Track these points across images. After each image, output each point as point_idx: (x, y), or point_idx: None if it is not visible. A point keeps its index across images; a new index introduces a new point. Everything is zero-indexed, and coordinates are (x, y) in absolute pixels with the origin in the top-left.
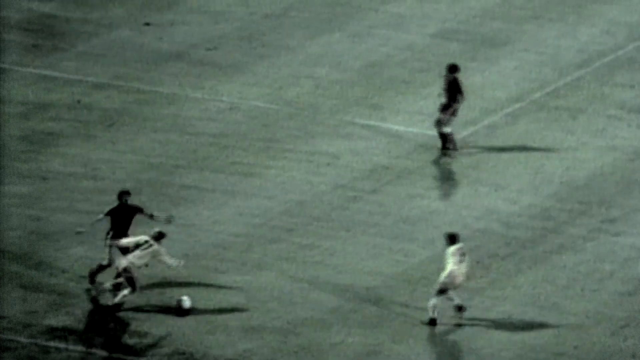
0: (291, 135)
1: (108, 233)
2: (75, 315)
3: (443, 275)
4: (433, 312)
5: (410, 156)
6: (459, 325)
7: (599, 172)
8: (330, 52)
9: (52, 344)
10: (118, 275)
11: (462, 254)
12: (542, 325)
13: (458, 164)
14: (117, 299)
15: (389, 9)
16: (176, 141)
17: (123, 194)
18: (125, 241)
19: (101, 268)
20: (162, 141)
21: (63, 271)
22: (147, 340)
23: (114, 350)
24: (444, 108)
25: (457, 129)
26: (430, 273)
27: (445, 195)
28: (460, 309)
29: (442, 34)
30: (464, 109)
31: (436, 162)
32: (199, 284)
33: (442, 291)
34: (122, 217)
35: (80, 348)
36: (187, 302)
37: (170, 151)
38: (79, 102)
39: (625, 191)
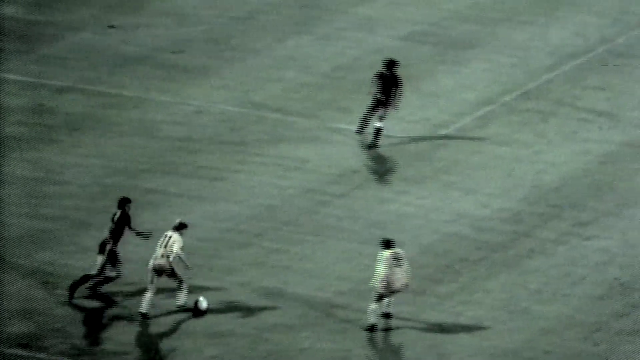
0: (259, 139)
1: (108, 242)
2: (38, 322)
3: (375, 281)
4: (373, 317)
5: (379, 160)
6: (388, 330)
7: (570, 176)
8: (298, 55)
9: (14, 351)
10: (99, 283)
11: (396, 259)
12: (513, 330)
13: (428, 167)
14: (181, 301)
15: (358, 12)
16: (142, 145)
17: (126, 201)
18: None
19: (87, 278)
20: (128, 145)
21: (26, 277)
22: (112, 347)
23: (78, 357)
24: (382, 104)
25: (427, 131)
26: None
27: (416, 199)
28: (387, 315)
29: (412, 37)
30: (435, 112)
31: (406, 166)
32: (165, 289)
33: (380, 297)
34: (122, 225)
35: (43, 356)
36: (203, 302)
37: (135, 155)
38: (41, 105)
39: (597, 194)
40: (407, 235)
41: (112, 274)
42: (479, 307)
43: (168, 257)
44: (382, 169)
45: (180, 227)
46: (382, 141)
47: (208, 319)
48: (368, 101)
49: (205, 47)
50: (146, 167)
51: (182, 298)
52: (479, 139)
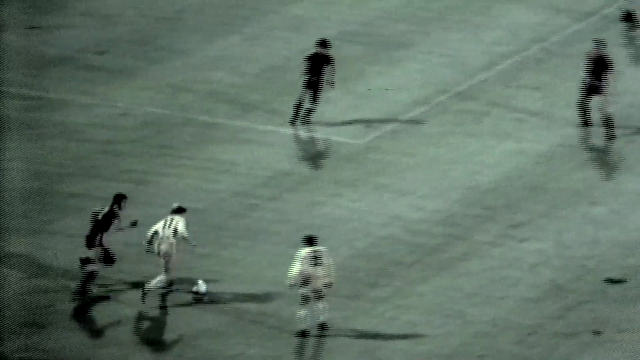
0: (187, 141)
1: (101, 236)
2: None
3: (288, 280)
4: (302, 323)
5: (311, 162)
6: (321, 336)
7: (504, 177)
8: (226, 55)
9: None
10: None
11: (315, 257)
12: (447, 334)
13: (361, 169)
14: (151, 284)
15: (288, 11)
16: (64, 148)
17: (121, 198)
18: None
19: (93, 275)
20: (51, 148)
21: None
22: (37, 355)
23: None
24: (313, 85)
25: (359, 133)
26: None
27: (349, 201)
28: (322, 326)
29: (344, 37)
30: (367, 113)
31: (338, 168)
32: (89, 296)
33: (305, 299)
34: (109, 220)
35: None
36: (202, 286)
37: (57, 159)
38: None
39: (532, 196)
40: (340, 239)
41: (93, 267)
42: (413, 311)
43: (173, 236)
44: (313, 172)
45: (179, 211)
46: (313, 144)
47: (135, 325)
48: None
49: (130, 48)
50: (69, 170)
51: (154, 282)
52: (412, 140)
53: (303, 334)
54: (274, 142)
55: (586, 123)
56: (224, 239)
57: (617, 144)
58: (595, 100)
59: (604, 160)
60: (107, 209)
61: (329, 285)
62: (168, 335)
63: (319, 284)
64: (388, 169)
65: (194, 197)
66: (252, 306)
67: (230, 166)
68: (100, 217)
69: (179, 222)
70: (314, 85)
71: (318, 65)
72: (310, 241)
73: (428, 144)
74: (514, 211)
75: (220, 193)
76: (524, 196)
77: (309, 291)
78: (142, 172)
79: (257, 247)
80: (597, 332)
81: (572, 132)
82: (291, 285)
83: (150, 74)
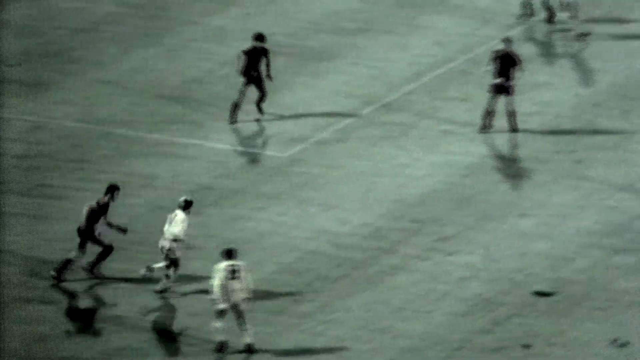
0: (104, 155)
1: (94, 229)
2: None
3: (214, 294)
4: (218, 334)
5: (234, 176)
6: (249, 352)
7: (432, 189)
8: (146, 67)
9: None
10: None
11: (233, 271)
12: (375, 350)
13: (286, 183)
14: (161, 285)
15: (209, 22)
16: None
17: (114, 189)
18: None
19: (69, 262)
20: None
21: None
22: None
23: None
24: (254, 80)
25: (284, 146)
26: (257, 297)
27: (273, 215)
28: (250, 348)
29: (268, 48)
30: (292, 125)
31: (262, 182)
32: (3, 315)
33: (221, 312)
34: (101, 212)
35: None
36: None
37: None
38: None
39: (459, 208)
40: (265, 254)
41: (72, 254)
42: (340, 326)
43: (172, 234)
44: (237, 185)
45: (186, 206)
46: (236, 157)
47: (51, 342)
48: (223, 112)
49: (44, 61)
50: None
51: (162, 284)
52: (338, 153)
53: (221, 346)
54: (195, 155)
55: (485, 126)
56: (144, 254)
57: (545, 155)
58: (502, 100)
59: (532, 172)
60: (105, 199)
61: (246, 299)
62: (86, 353)
63: (236, 297)
64: (313, 182)
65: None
66: (173, 322)
67: (150, 180)
68: (96, 206)
69: (178, 222)
70: (255, 79)
71: (256, 59)
72: (229, 254)
73: (354, 157)
74: (442, 224)
75: (140, 208)
76: (451, 209)
77: (225, 304)
78: (57, 187)
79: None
80: (526, 346)
81: (500, 144)
82: (214, 300)
83: (66, 87)
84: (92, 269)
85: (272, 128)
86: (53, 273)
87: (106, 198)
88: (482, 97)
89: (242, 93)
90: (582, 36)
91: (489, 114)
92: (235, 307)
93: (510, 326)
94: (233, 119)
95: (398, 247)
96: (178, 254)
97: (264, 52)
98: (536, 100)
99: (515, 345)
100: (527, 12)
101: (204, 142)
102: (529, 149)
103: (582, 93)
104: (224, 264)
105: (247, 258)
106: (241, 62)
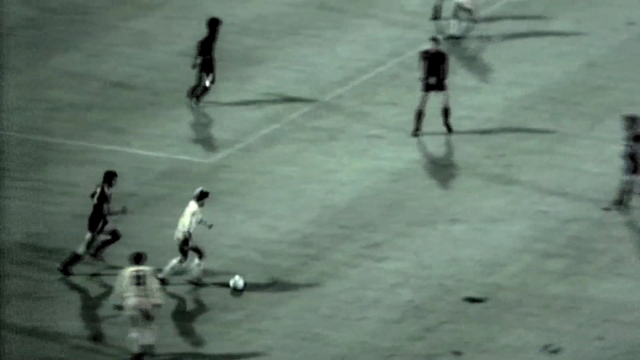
0: (22, 163)
1: (103, 221)
2: None
3: (113, 300)
4: (134, 346)
5: (157, 182)
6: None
7: (361, 195)
8: (65, 72)
9: None
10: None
11: (138, 277)
12: (304, 358)
13: (211, 189)
14: (166, 270)
15: (132, 26)
16: None
17: (111, 176)
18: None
19: (77, 258)
20: None
21: None
22: None
23: None
24: (210, 63)
25: (209, 152)
26: (181, 306)
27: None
28: (139, 357)
29: (191, 52)
30: (217, 131)
31: (186, 188)
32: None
33: (133, 320)
34: (102, 202)
35: None
36: (240, 281)
37: None
38: None
39: (389, 214)
40: (190, 262)
41: (80, 250)
42: (268, 335)
43: (186, 231)
44: (161, 192)
45: (200, 197)
46: (159, 164)
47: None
48: (146, 117)
49: None
50: None
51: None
52: (264, 158)
53: (137, 358)
54: (117, 162)
55: (418, 129)
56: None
57: (476, 160)
58: (435, 99)
59: (462, 176)
60: (98, 190)
61: (157, 306)
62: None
63: (142, 304)
64: (239, 188)
65: (31, 220)
66: (95, 329)
67: (71, 188)
68: (95, 201)
69: (187, 213)
70: (208, 64)
71: (208, 45)
72: (136, 260)
73: (281, 163)
74: (371, 230)
75: (61, 216)
76: (381, 215)
77: (134, 311)
78: None
79: (100, 271)
80: (457, 353)
81: (430, 148)
82: (116, 306)
83: None
84: (96, 253)
85: (197, 134)
86: (59, 266)
87: (104, 188)
88: (413, 101)
89: (200, 77)
90: (455, 38)
91: (420, 114)
92: (143, 313)
93: (441, 333)
94: (193, 96)
95: (327, 254)
96: (192, 244)
97: (212, 37)
98: (466, 105)
99: (447, 352)
100: (437, 15)
101: (126, 149)
102: (459, 153)
103: (512, 97)
104: (130, 270)
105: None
106: (197, 49)
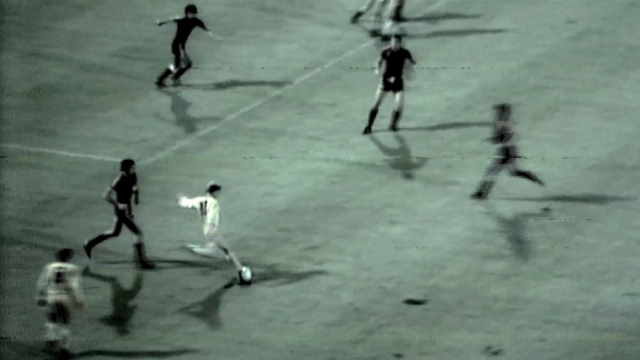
0: None
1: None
2: None
3: (36, 295)
4: (50, 334)
5: (90, 185)
6: None
7: (299, 197)
8: None
9: None
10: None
11: (58, 274)
12: None
13: (145, 192)
14: (200, 251)
15: (63, 27)
16: None
17: (129, 164)
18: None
19: (102, 238)
20: None
21: None
22: None
23: None
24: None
25: (143, 154)
26: (117, 310)
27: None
28: (52, 345)
29: (125, 53)
30: (151, 133)
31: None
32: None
33: (51, 315)
34: (124, 188)
35: None
36: (247, 272)
37: None
38: None
39: (328, 216)
40: (125, 265)
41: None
42: (205, 338)
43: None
44: (93, 195)
45: (213, 189)
46: (91, 166)
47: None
48: (77, 119)
49: None
50: None
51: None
52: (200, 160)
53: (51, 344)
54: (48, 165)
55: (370, 129)
56: None
57: (415, 161)
58: (390, 98)
59: (402, 178)
60: (118, 178)
61: (78, 305)
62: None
63: (60, 299)
64: (174, 190)
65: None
66: (36, 333)
67: (1, 191)
68: (114, 186)
69: (210, 208)
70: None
71: (186, 30)
72: (62, 256)
73: (217, 165)
74: (310, 233)
75: None
76: (320, 217)
77: (51, 308)
78: None
79: (31, 276)
80: (398, 356)
81: (369, 150)
82: (39, 302)
83: None
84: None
85: (131, 135)
86: (85, 243)
87: (124, 173)
88: (352, 102)
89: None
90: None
91: (374, 113)
92: (59, 309)
93: (381, 335)
94: (162, 82)
95: (265, 257)
96: (218, 237)
97: (198, 22)
98: (407, 105)
99: (387, 355)
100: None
101: (58, 151)
102: (399, 154)
103: (452, 97)
104: (53, 266)
105: (106, 269)
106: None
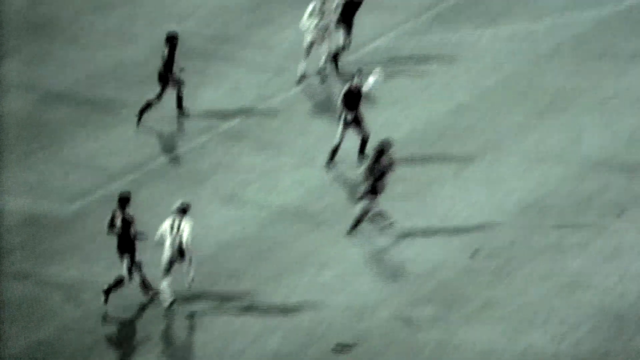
0: None
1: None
2: None
3: None
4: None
5: (14, 232)
6: None
7: (226, 243)
8: None
9: None
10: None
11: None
12: None
13: (70, 239)
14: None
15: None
16: None
17: (124, 201)
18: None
19: (120, 283)
20: None
21: None
22: None
23: None
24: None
25: (65, 200)
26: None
27: (56, 273)
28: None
29: (46, 100)
30: (74, 180)
31: (44, 238)
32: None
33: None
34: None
35: None
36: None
37: None
38: None
39: (255, 262)
40: (46, 314)
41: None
42: None
43: (180, 243)
44: (16, 242)
45: (184, 210)
46: (13, 215)
47: None
48: None
49: None
50: None
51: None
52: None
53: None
54: None
55: (329, 164)
56: None
57: (346, 206)
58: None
59: (332, 222)
60: (119, 217)
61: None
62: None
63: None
64: (100, 238)
65: None
66: None
67: None
68: (118, 228)
69: (184, 230)
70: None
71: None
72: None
73: (144, 210)
74: (238, 279)
75: None
76: (248, 262)
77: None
78: None
79: None
80: None
81: (298, 195)
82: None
83: None
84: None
85: (55, 182)
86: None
87: (125, 214)
88: (280, 146)
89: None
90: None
91: (336, 150)
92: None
93: None
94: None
95: (189, 304)
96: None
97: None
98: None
99: None
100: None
101: None
102: (328, 198)
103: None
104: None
105: (26, 318)
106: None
